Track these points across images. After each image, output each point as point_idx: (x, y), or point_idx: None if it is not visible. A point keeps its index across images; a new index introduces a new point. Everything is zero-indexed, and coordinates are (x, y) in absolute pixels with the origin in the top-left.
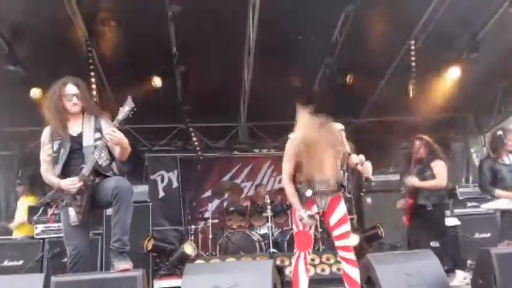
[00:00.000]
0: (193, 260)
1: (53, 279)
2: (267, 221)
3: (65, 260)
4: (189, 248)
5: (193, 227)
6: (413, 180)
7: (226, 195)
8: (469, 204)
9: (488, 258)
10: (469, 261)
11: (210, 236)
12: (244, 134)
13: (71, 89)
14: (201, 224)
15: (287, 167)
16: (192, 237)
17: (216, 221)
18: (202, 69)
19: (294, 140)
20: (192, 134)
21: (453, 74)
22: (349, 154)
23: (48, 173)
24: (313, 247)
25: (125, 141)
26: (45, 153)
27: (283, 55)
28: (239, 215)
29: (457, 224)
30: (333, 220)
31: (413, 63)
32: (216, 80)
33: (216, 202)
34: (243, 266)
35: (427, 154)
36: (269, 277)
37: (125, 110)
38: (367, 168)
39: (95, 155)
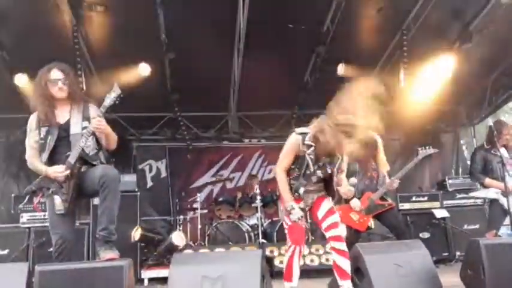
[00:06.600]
0: (182, 250)
1: (37, 268)
2: (256, 212)
3: (51, 249)
4: (177, 238)
5: (181, 217)
6: None
7: (215, 186)
8: (458, 195)
9: (477, 249)
10: (457, 253)
11: (199, 226)
12: (234, 123)
13: (56, 74)
14: (190, 214)
15: (285, 161)
16: (181, 228)
17: (205, 211)
18: (191, 57)
19: (300, 137)
20: (181, 123)
21: (444, 64)
22: (342, 171)
23: (35, 160)
24: None
25: (109, 129)
26: (32, 139)
27: (274, 44)
28: (228, 205)
29: (446, 216)
30: (320, 213)
31: (405, 54)
32: (205, 69)
33: (205, 192)
34: (232, 256)
35: None
36: (258, 267)
37: (111, 97)
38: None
39: (81, 142)
